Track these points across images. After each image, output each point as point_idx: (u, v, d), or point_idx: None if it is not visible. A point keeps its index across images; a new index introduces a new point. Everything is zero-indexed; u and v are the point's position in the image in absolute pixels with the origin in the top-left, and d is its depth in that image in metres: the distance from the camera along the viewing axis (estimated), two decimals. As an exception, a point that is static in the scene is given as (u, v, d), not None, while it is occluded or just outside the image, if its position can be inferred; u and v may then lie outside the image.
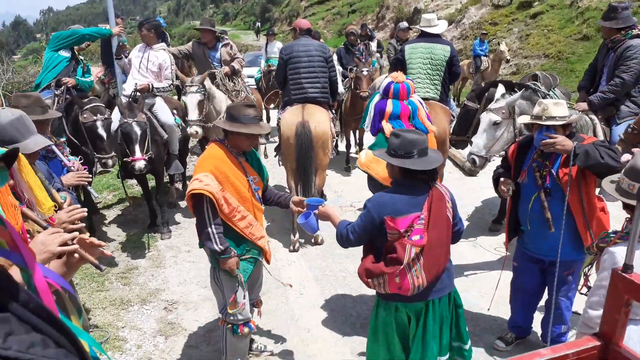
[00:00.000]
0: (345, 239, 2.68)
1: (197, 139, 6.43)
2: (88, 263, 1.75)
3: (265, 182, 3.25)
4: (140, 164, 4.71)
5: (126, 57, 6.01)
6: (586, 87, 4.87)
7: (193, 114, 5.47)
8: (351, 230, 2.65)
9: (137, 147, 4.73)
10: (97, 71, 8.22)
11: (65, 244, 1.68)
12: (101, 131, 4.48)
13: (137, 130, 4.76)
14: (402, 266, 2.49)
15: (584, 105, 4.55)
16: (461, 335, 2.76)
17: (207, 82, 5.68)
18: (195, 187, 2.81)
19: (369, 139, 8.20)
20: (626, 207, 2.26)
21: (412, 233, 2.49)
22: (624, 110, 4.52)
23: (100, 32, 6.10)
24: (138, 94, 5.46)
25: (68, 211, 2.31)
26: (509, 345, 3.59)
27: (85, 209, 2.35)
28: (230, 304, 3.09)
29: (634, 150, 2.60)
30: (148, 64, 5.78)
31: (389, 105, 3.91)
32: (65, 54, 5.77)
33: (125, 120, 4.78)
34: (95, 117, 4.48)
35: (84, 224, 2.37)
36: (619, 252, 2.14)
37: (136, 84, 5.60)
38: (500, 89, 4.38)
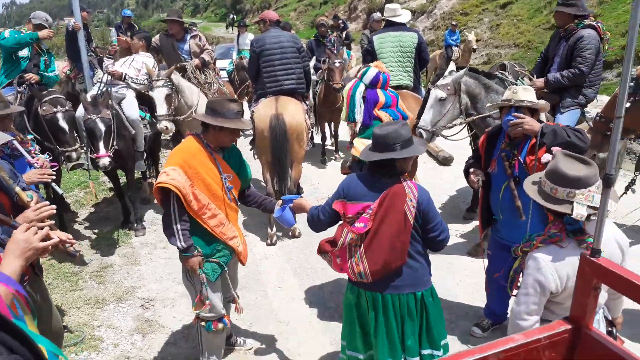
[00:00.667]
0: (316, 219, 2.80)
1: (170, 134, 6.32)
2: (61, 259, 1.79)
3: (247, 181, 3.20)
4: (104, 161, 4.61)
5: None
6: (537, 75, 4.97)
7: (161, 109, 5.38)
8: (321, 210, 2.78)
9: (101, 144, 4.63)
10: (63, 66, 8.00)
11: (46, 238, 1.71)
12: (62, 123, 4.36)
13: (101, 126, 4.65)
14: (336, 248, 2.66)
15: (540, 82, 4.68)
16: (433, 342, 2.68)
17: (175, 76, 5.58)
18: (161, 181, 2.77)
19: (345, 130, 8.23)
20: (549, 211, 2.22)
21: (357, 220, 2.58)
22: (567, 100, 4.66)
23: (22, 40, 5.51)
24: (107, 87, 5.37)
25: (35, 209, 2.23)
26: (485, 332, 3.67)
27: (54, 206, 2.28)
28: (196, 305, 3.04)
29: (554, 149, 2.62)
30: (132, 63, 5.74)
31: (381, 95, 3.98)
32: (23, 53, 5.55)
33: (89, 117, 4.66)
34: (55, 109, 4.35)
35: (52, 222, 2.31)
36: (542, 257, 2.13)
37: (107, 67, 5.54)
38: (450, 67, 4.50)
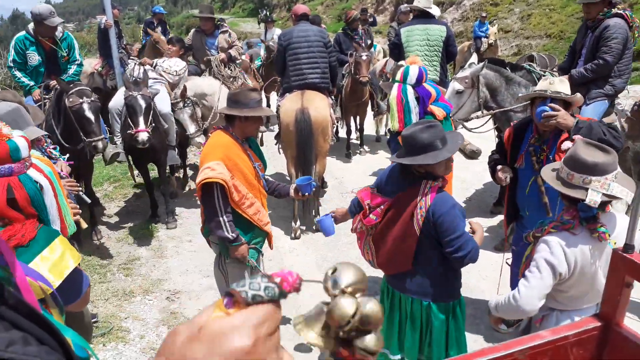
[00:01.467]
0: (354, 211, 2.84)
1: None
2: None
3: (266, 168, 3.27)
4: (143, 136, 4.68)
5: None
6: (566, 68, 4.82)
7: (191, 128, 5.57)
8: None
9: (141, 119, 4.72)
10: (94, 63, 8.17)
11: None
12: (88, 113, 4.44)
13: (142, 102, 4.76)
14: (351, 231, 2.74)
15: (564, 77, 4.53)
16: (431, 357, 2.61)
17: (191, 82, 5.77)
18: (209, 176, 2.79)
19: (370, 124, 8.15)
20: (563, 196, 2.21)
21: (373, 212, 2.57)
22: (594, 91, 4.47)
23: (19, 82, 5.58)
24: (144, 69, 5.49)
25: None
26: (510, 327, 3.58)
27: (78, 206, 2.44)
28: None
29: (575, 137, 2.54)
30: (162, 63, 5.85)
31: (431, 90, 3.69)
32: (33, 61, 5.46)
33: (130, 93, 4.79)
34: (81, 100, 4.45)
35: (79, 217, 2.41)
36: (553, 241, 2.12)
37: (132, 68, 5.65)
38: (472, 59, 4.43)
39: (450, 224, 2.37)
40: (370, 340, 0.70)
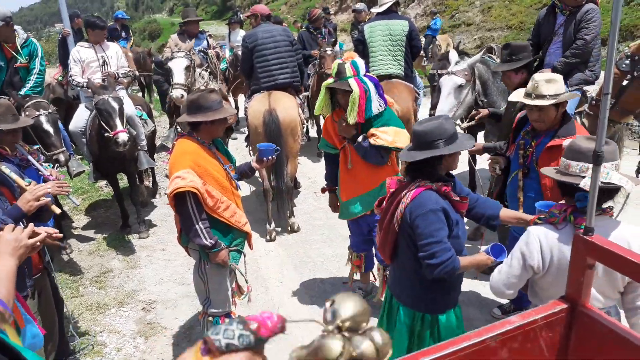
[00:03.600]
0: None
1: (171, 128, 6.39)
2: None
3: (234, 163, 3.28)
4: (123, 136, 4.57)
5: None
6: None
7: (179, 77, 5.50)
8: None
9: (117, 121, 4.62)
10: (54, 72, 7.96)
11: (33, 234, 1.75)
12: (47, 126, 4.34)
13: (115, 104, 4.67)
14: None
15: (547, 70, 4.56)
16: None
17: (195, 56, 5.80)
18: (180, 185, 2.76)
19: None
20: (560, 186, 2.21)
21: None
22: (575, 77, 4.43)
23: None
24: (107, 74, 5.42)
25: (31, 190, 2.38)
26: (504, 314, 3.64)
27: (48, 186, 2.42)
28: (236, 293, 3.28)
29: (579, 135, 2.57)
30: (107, 58, 5.68)
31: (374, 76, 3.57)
32: None
33: (101, 97, 4.69)
34: (38, 112, 4.33)
35: (49, 199, 2.42)
36: (533, 232, 2.15)
37: (106, 72, 5.50)
38: (454, 53, 4.35)
39: (425, 228, 2.24)
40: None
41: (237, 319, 0.61)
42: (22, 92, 5.20)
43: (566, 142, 2.59)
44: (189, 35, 6.37)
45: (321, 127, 7.81)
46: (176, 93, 5.43)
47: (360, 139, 3.29)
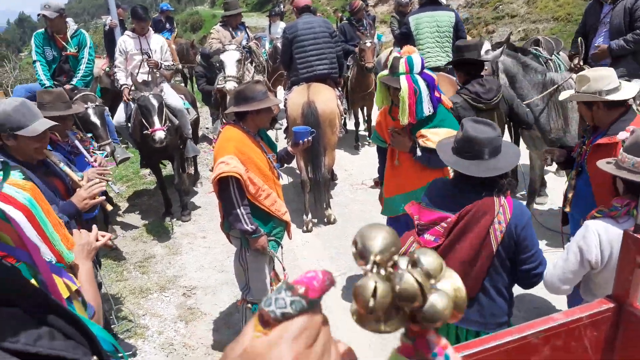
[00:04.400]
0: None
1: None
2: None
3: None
4: (160, 134, 4.73)
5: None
6: (578, 53, 4.70)
7: (231, 70, 5.60)
8: None
9: (155, 119, 4.76)
10: (101, 63, 8.21)
11: (97, 238, 1.86)
12: (94, 118, 4.50)
13: (154, 102, 4.80)
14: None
15: (604, 48, 4.40)
16: None
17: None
18: (224, 170, 2.84)
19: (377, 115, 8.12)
20: (628, 185, 2.14)
21: (428, 231, 2.23)
22: (619, 70, 4.30)
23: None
24: (153, 70, 5.57)
25: (87, 188, 2.45)
26: None
27: (103, 183, 2.51)
28: (273, 280, 3.32)
29: (629, 128, 2.45)
30: (151, 52, 5.82)
31: (432, 74, 3.33)
32: (49, 54, 5.49)
33: (142, 94, 4.83)
34: (86, 105, 4.49)
35: (104, 197, 2.52)
36: (592, 226, 2.09)
37: (147, 57, 5.64)
38: (486, 45, 4.27)
39: (532, 238, 2.13)
40: (429, 309, 0.63)
41: (284, 285, 0.60)
42: (74, 81, 5.43)
43: (621, 136, 2.50)
44: (231, 26, 6.46)
45: (359, 120, 7.82)
46: (229, 85, 5.52)
47: (418, 151, 3.14)
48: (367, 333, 0.69)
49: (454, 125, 3.17)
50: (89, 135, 4.37)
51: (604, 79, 2.79)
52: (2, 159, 1.73)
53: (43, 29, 5.57)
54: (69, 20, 5.79)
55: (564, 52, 4.99)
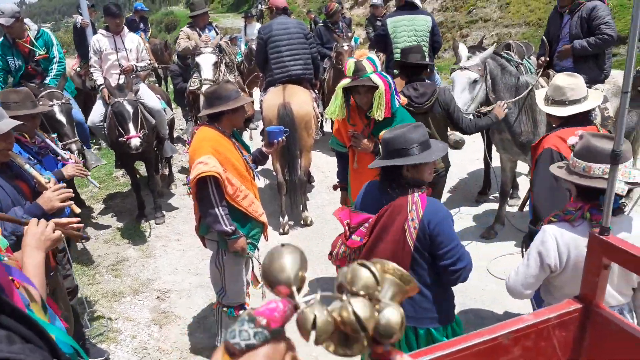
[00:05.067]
0: None
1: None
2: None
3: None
4: (135, 142, 4.68)
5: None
6: (543, 54, 4.80)
7: (207, 73, 5.54)
8: None
9: (131, 125, 4.71)
10: (72, 63, 8.05)
11: (57, 226, 1.81)
12: (60, 116, 4.41)
13: (129, 108, 4.74)
14: (333, 258, 2.50)
15: (567, 47, 4.51)
16: None
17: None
18: (204, 170, 2.81)
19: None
20: (580, 190, 2.18)
21: (356, 232, 2.36)
22: (589, 77, 4.39)
23: None
24: (122, 77, 5.45)
25: (55, 190, 2.43)
26: None
27: (71, 190, 2.48)
28: (254, 282, 3.30)
29: (578, 131, 2.54)
30: (126, 51, 5.71)
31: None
32: (14, 64, 5.29)
33: (117, 100, 4.76)
34: (51, 103, 4.40)
35: (72, 202, 2.47)
36: (549, 231, 2.14)
37: (121, 66, 5.53)
38: (462, 48, 4.27)
39: (447, 234, 2.19)
40: (384, 327, 0.68)
41: (246, 316, 0.63)
42: (47, 80, 5.29)
43: (571, 140, 2.58)
44: (199, 27, 6.39)
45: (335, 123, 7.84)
46: (205, 89, 5.46)
47: (381, 152, 3.20)
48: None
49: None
50: (54, 135, 4.27)
51: (579, 89, 2.90)
52: None
53: (1, 39, 5.32)
54: (27, 21, 5.60)
55: (534, 57, 5.10)
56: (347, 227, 2.38)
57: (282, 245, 0.74)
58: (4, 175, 2.52)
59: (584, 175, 2.14)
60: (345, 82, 3.22)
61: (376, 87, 3.09)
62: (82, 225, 2.07)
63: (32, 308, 1.30)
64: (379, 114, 3.13)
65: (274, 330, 0.63)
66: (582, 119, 2.93)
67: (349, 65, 3.18)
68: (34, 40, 5.37)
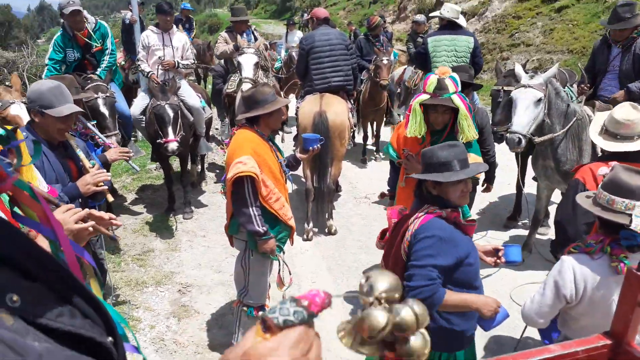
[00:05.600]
0: None
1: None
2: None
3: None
4: (173, 146, 4.81)
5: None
6: (585, 83, 4.74)
7: (248, 72, 5.66)
8: None
9: (169, 129, 4.83)
10: (117, 57, 8.27)
11: (82, 220, 1.74)
12: (103, 109, 4.54)
13: (170, 112, 4.86)
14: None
15: (620, 93, 4.43)
16: None
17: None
18: (242, 170, 2.85)
19: (386, 131, 8.15)
20: (602, 222, 2.15)
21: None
22: None
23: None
24: (170, 76, 5.59)
25: (93, 174, 2.51)
26: None
27: (110, 173, 2.58)
28: (278, 284, 3.31)
29: (610, 163, 2.45)
30: (172, 49, 5.84)
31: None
32: (72, 55, 5.44)
33: (158, 103, 4.89)
34: (96, 95, 4.53)
35: (107, 187, 2.56)
36: (568, 262, 2.11)
37: (161, 58, 5.66)
38: (520, 68, 4.11)
39: (417, 252, 2.09)
40: (413, 344, 0.73)
41: (290, 298, 0.68)
42: (97, 72, 5.46)
43: (602, 171, 2.51)
44: (237, 32, 6.50)
45: (367, 134, 7.85)
46: (246, 87, 5.54)
47: None
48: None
49: (477, 151, 3.18)
50: (93, 122, 4.40)
51: (637, 125, 2.78)
52: (33, 139, 1.78)
53: (61, 31, 5.46)
54: (85, 13, 5.79)
55: (575, 85, 5.02)
56: (392, 226, 2.38)
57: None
58: (57, 152, 2.75)
59: (607, 207, 2.10)
60: (423, 97, 3.06)
61: (456, 109, 2.97)
62: (119, 223, 1.99)
63: (91, 284, 1.33)
64: (470, 134, 3.00)
65: (311, 314, 0.67)
66: (635, 156, 2.76)
67: (431, 81, 3.02)
68: (91, 33, 5.52)
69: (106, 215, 1.83)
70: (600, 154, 3.33)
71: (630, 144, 2.77)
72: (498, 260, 2.41)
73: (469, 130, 3.00)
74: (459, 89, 3.04)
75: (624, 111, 2.84)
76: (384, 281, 0.74)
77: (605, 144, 2.86)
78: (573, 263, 2.11)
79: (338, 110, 5.16)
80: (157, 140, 4.95)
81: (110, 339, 0.71)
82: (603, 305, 2.09)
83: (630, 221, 2.00)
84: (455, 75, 3.06)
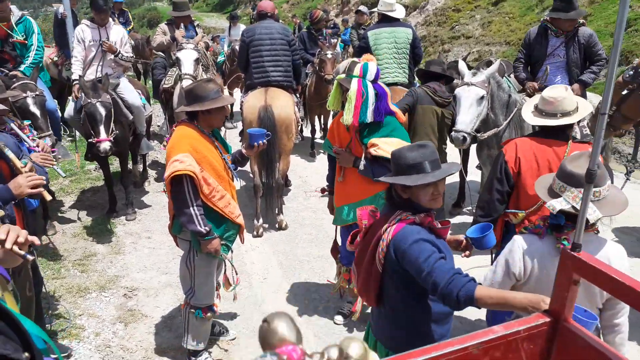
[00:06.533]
0: None
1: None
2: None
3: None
4: (105, 145, 4.61)
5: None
6: (529, 78, 4.90)
7: (188, 68, 5.45)
8: None
9: (101, 128, 4.62)
10: (49, 52, 7.86)
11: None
12: (33, 108, 4.30)
13: (102, 110, 4.64)
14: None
15: (577, 87, 4.59)
16: None
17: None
18: (179, 168, 2.75)
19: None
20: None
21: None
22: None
23: None
24: (106, 73, 5.35)
25: (27, 176, 2.36)
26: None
27: (43, 177, 2.42)
28: (225, 284, 3.27)
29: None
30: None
31: (386, 89, 3.27)
32: None
33: (89, 101, 4.65)
34: (25, 94, 4.29)
35: (43, 189, 2.41)
36: (518, 241, 2.22)
37: (103, 41, 5.40)
38: (462, 64, 4.22)
39: (413, 261, 1.97)
40: None
41: (270, 352, 0.84)
42: (21, 68, 5.16)
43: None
44: (177, 27, 6.31)
45: (315, 128, 7.85)
46: (185, 83, 5.38)
47: (360, 166, 3.14)
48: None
49: (404, 137, 3.21)
50: (27, 122, 4.15)
51: (570, 101, 2.86)
52: None
53: None
54: (12, 7, 5.47)
55: (513, 75, 5.20)
56: (364, 227, 2.26)
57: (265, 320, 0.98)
58: None
59: (550, 188, 2.21)
60: (341, 75, 3.21)
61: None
62: (38, 242, 1.64)
63: (5, 298, 1.24)
64: (347, 117, 3.09)
65: None
66: (560, 133, 2.90)
67: (347, 64, 3.20)
68: (13, 25, 5.24)
69: (22, 235, 1.54)
70: None
71: (551, 120, 2.86)
72: (469, 252, 2.40)
73: (347, 113, 3.09)
74: (366, 76, 3.11)
75: (554, 91, 2.93)
76: (355, 348, 0.88)
77: (531, 118, 2.96)
78: (522, 242, 2.21)
79: (284, 103, 5.12)
80: (89, 140, 4.73)
81: (26, 354, 0.66)
82: (548, 283, 2.16)
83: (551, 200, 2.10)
84: (370, 65, 3.14)
